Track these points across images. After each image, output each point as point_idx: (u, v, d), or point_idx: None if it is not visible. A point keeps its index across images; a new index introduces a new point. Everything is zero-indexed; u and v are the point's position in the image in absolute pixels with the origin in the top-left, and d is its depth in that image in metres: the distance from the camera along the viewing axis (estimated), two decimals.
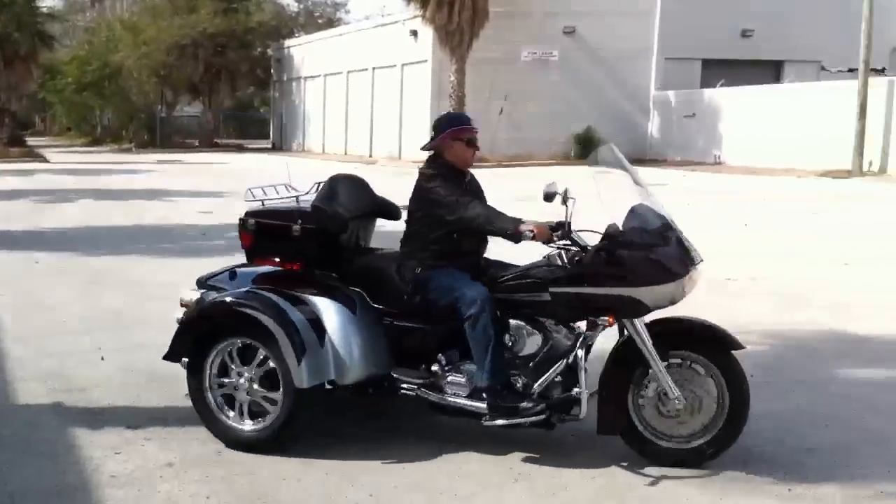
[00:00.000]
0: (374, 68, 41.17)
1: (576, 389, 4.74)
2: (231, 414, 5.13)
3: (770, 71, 35.58)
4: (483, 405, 4.84)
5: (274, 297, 5.00)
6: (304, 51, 49.49)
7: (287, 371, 4.86)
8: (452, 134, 5.19)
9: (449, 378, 4.97)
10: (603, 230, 4.79)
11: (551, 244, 4.80)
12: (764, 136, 30.32)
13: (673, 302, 4.70)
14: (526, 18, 34.90)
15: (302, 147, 49.33)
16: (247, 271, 5.47)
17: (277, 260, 5.33)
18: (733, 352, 4.75)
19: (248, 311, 4.97)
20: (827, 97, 28.40)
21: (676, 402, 4.66)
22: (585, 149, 34.56)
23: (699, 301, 8.35)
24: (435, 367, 4.99)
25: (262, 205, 5.40)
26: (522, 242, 4.81)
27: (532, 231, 4.72)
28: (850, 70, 29.61)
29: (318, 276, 5.25)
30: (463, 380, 4.94)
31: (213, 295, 5.30)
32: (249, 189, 5.47)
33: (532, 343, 4.92)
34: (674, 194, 21.50)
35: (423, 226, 5.09)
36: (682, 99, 34.67)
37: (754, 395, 4.80)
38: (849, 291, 9.61)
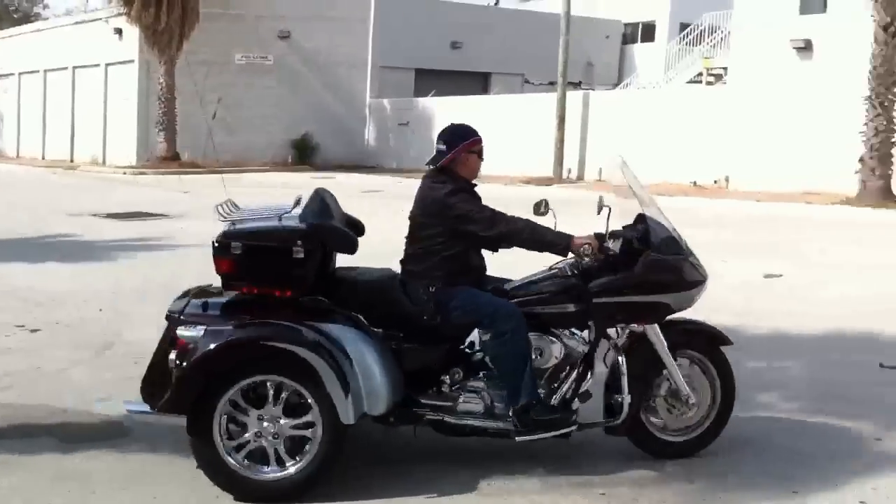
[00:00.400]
0: (74, 67, 38.58)
1: (617, 396, 4.81)
2: (266, 468, 4.52)
3: (479, 82, 37.10)
4: (507, 424, 4.66)
5: (304, 329, 4.46)
6: None
7: (331, 407, 4.39)
8: (467, 147, 5.02)
9: (462, 398, 4.73)
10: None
11: (596, 255, 4.73)
12: None
13: (690, 305, 4.99)
14: (239, 21, 34.11)
15: None
16: (219, 301, 4.82)
17: (256, 290, 4.68)
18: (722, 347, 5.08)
19: (287, 345, 4.40)
20: (531, 108, 30.01)
21: (689, 398, 4.92)
22: (303, 155, 34.44)
23: None
24: (444, 389, 4.76)
25: (233, 225, 4.74)
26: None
27: (589, 244, 4.68)
28: (551, 83, 31.47)
29: (309, 302, 4.72)
30: (478, 398, 4.73)
31: (214, 330, 4.50)
32: (217, 206, 4.84)
33: (549, 354, 4.78)
34: (388, 199, 21.77)
35: (438, 243, 4.79)
36: (397, 107, 35.34)
37: None
38: None
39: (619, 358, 4.84)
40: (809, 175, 22.03)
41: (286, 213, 4.73)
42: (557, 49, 28.36)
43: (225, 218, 4.76)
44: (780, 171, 22.58)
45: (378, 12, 35.72)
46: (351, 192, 23.86)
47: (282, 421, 4.48)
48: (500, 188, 25.52)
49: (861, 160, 20.08)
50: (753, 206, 20.07)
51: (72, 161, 37.94)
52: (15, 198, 22.03)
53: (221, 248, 4.66)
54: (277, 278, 4.62)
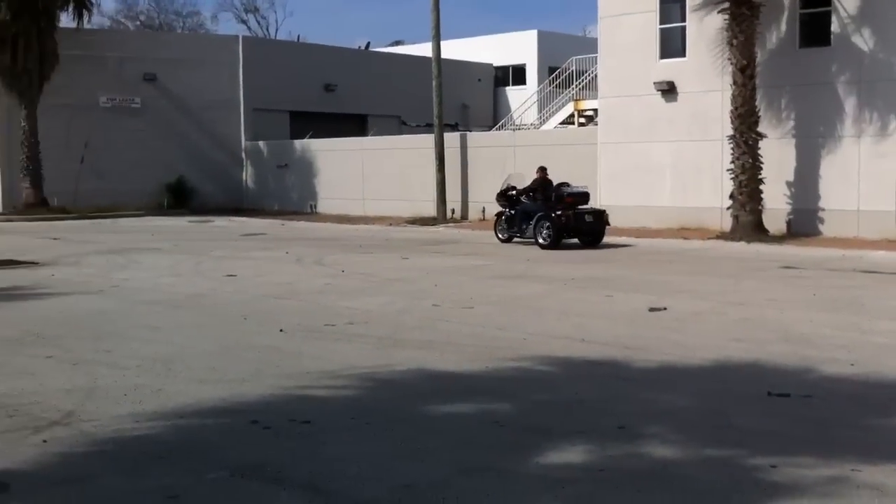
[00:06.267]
0: None
1: None
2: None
3: (356, 124, 37.10)
4: None
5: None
6: None
7: None
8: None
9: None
10: None
11: None
12: (356, 187, 31.48)
13: None
14: (101, 63, 33.19)
15: None
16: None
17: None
18: None
19: None
20: (410, 149, 30.15)
21: None
22: (179, 198, 33.61)
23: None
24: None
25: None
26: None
27: None
28: (428, 125, 31.73)
29: None
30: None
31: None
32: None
33: None
34: (270, 242, 21.39)
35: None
36: (274, 150, 34.95)
37: (353, 436, 4.60)
38: (441, 331, 9.93)
39: None
40: (684, 211, 22.83)
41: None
42: (431, 91, 28.66)
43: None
44: (657, 208, 23.32)
45: (246, 55, 35.39)
46: (231, 236, 23.50)
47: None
48: (383, 229, 25.53)
49: (732, 196, 20.87)
50: (632, 242, 20.59)
51: None
52: None
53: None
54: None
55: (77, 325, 10.27)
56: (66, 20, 32.35)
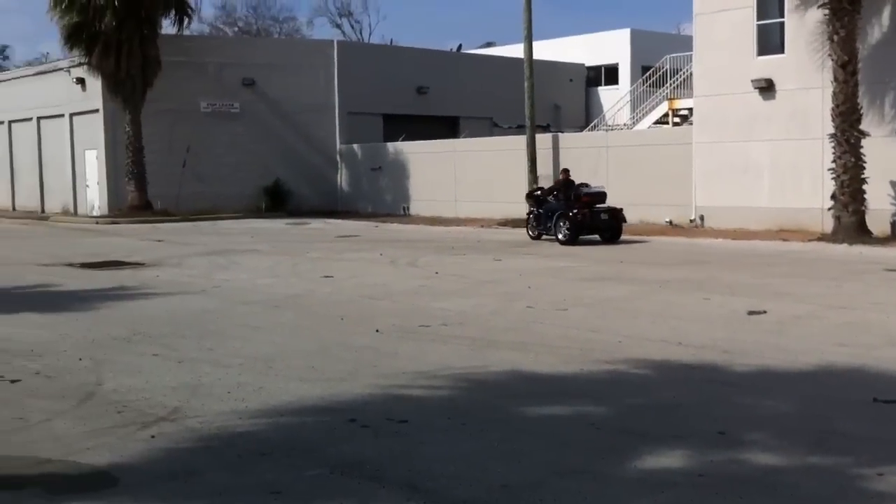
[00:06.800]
0: (39, 118, 38.37)
1: None
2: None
3: (447, 126, 37.27)
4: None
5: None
6: None
7: None
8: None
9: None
10: None
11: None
12: (448, 188, 31.66)
13: None
14: (201, 69, 34.12)
15: None
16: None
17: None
18: None
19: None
20: (502, 151, 30.15)
21: None
22: (276, 201, 34.35)
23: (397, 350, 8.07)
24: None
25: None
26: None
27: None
28: (519, 126, 31.68)
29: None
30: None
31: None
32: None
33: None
34: (363, 243, 21.69)
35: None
36: (368, 152, 35.38)
37: (449, 436, 4.67)
38: (531, 332, 9.93)
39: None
40: (782, 212, 22.30)
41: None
42: (523, 93, 28.62)
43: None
44: (754, 209, 22.84)
45: (341, 59, 35.92)
46: (326, 238, 23.90)
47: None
48: (474, 230, 25.60)
49: (833, 197, 20.29)
50: (730, 245, 20.22)
51: (42, 212, 37.60)
52: None
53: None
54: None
55: (181, 325, 10.60)
56: (167, 27, 33.40)
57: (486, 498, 5.00)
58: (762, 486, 5.14)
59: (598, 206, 21.08)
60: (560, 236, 20.93)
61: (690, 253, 18.76)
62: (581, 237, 20.75)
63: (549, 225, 21.49)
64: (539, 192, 22.54)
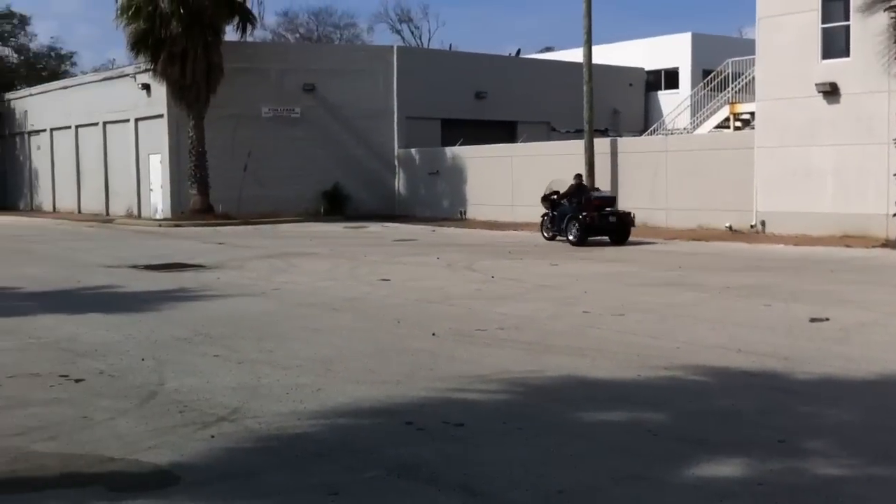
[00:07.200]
0: (105, 123, 39.25)
1: None
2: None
3: (505, 131, 37.25)
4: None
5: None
6: (27, 104, 46.44)
7: None
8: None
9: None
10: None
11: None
12: (504, 193, 31.63)
13: None
14: (263, 75, 34.60)
15: (30, 206, 46.16)
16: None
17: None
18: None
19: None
20: (560, 155, 30.02)
21: None
22: (334, 205, 34.67)
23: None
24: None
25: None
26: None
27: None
28: (577, 131, 31.54)
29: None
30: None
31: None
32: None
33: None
34: (424, 248, 21.77)
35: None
36: (426, 157, 35.51)
37: (505, 440, 4.67)
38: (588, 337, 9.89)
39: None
40: (846, 218, 21.88)
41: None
42: (581, 97, 28.47)
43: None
44: (817, 215, 22.43)
45: (400, 65, 36.12)
46: (384, 241, 24.05)
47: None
48: (527, 235, 25.53)
49: None
50: (791, 251, 19.89)
51: (107, 214, 38.44)
52: (54, 251, 22.30)
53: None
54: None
55: (241, 326, 10.75)
56: (230, 34, 33.92)
57: (543, 503, 5.00)
58: (823, 497, 5.06)
59: (607, 209, 22.45)
60: (570, 237, 22.09)
61: (751, 259, 18.49)
62: (591, 238, 21.99)
63: (562, 227, 22.64)
64: (555, 196, 23.48)
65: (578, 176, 23.82)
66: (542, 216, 24.15)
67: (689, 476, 5.40)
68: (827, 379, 7.86)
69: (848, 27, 22.27)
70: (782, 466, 5.53)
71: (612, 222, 22.33)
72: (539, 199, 24.28)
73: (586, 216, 21.97)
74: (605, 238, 22.26)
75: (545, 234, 23.70)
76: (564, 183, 23.57)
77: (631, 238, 22.30)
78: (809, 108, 22.77)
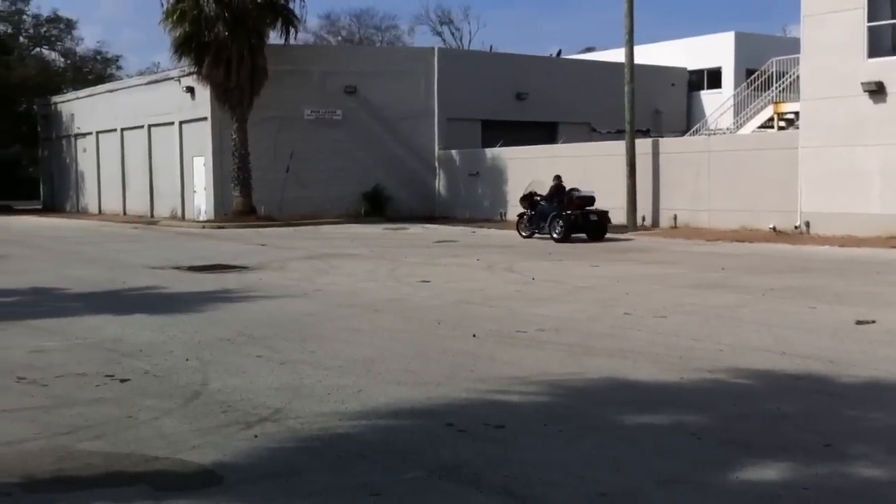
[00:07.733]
0: (150, 125, 39.77)
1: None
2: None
3: (545, 132, 37.15)
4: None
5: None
6: (73, 107, 47.20)
7: None
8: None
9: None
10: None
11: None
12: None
13: None
14: (306, 77, 34.84)
15: (76, 207, 46.88)
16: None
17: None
18: None
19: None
20: (601, 156, 29.90)
21: None
22: (375, 206, 34.82)
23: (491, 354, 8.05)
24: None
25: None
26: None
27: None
28: (618, 131, 31.36)
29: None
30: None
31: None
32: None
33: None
34: (464, 249, 21.78)
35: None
36: (466, 158, 35.53)
37: (546, 442, 4.65)
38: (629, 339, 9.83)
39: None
40: (893, 219, 21.51)
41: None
42: (623, 97, 28.30)
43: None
44: (863, 216, 22.10)
45: (441, 66, 36.17)
46: (424, 243, 24.11)
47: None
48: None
49: None
50: (837, 252, 19.62)
51: (152, 216, 38.94)
52: (100, 252, 22.62)
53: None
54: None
55: (283, 327, 10.83)
56: (273, 37, 34.18)
57: None
58: (869, 501, 4.99)
59: (588, 208, 23.99)
60: (555, 234, 23.75)
61: (795, 260, 18.26)
62: (572, 235, 23.61)
63: (542, 225, 24.29)
64: (538, 197, 24.88)
65: (558, 177, 25.10)
66: (519, 216, 25.83)
67: (732, 480, 5.35)
68: (873, 382, 7.74)
69: (894, 25, 21.91)
70: (828, 470, 5.46)
71: (594, 220, 23.97)
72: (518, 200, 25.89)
73: (570, 214, 23.61)
74: (583, 235, 23.85)
75: (522, 233, 25.27)
76: (543, 184, 24.95)
77: (676, 237, 22.17)
78: (855, 107, 22.44)
